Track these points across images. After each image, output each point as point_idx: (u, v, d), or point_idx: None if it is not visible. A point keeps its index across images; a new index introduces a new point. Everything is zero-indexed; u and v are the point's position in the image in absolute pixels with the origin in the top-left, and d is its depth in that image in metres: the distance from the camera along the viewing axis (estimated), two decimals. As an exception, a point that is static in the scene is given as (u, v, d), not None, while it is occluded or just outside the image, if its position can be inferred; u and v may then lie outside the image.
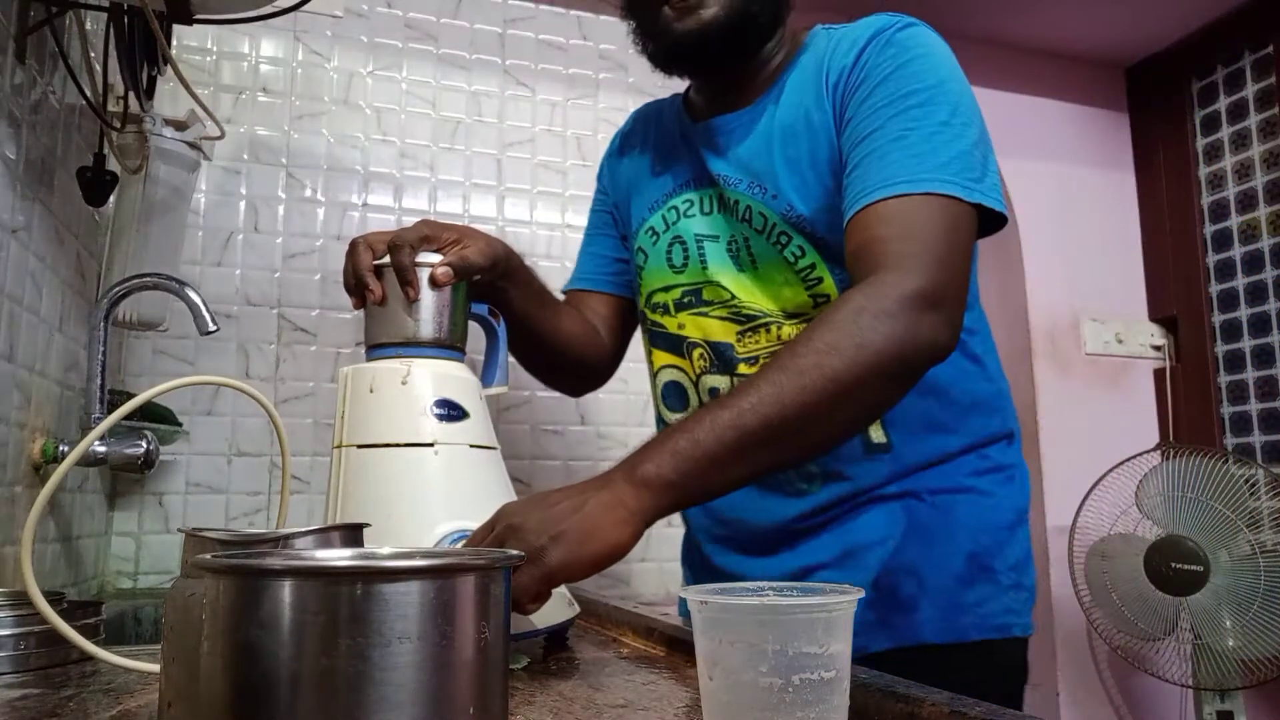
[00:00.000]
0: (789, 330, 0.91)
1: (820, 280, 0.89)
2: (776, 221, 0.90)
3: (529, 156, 1.73)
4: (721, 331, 0.95)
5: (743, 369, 0.94)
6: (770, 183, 0.90)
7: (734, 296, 0.94)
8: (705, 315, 0.96)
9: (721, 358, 0.95)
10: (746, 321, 0.93)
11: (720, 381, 0.96)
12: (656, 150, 1.06)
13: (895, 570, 0.90)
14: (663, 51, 0.94)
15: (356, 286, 0.84)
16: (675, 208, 1.00)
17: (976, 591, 0.90)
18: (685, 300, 0.98)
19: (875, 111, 0.82)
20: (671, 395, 1.02)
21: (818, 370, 0.70)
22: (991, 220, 0.82)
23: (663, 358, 1.02)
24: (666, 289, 1.00)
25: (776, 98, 0.92)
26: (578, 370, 1.11)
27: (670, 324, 1.00)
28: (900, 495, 0.91)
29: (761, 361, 0.93)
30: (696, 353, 0.98)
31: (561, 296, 1.11)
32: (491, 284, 0.93)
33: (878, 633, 0.88)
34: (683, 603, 1.02)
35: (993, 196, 0.80)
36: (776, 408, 0.69)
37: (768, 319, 0.92)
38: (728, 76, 0.96)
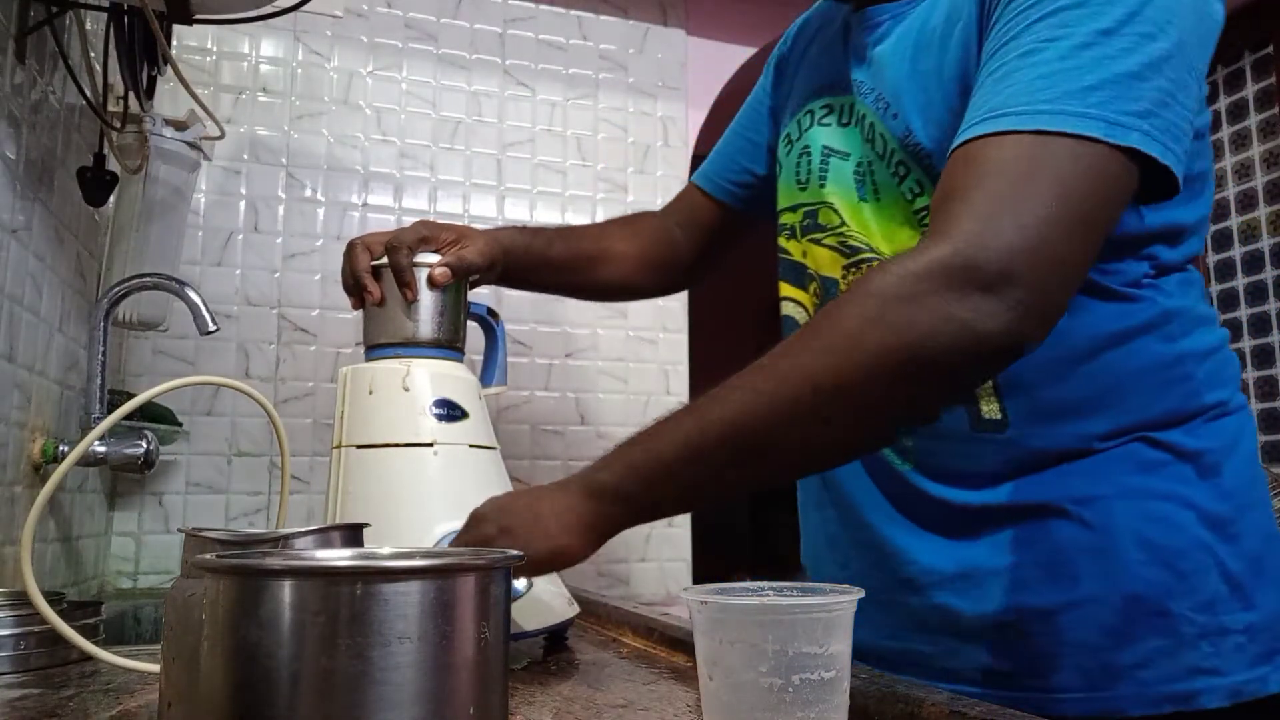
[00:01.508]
0: None
1: None
2: (895, 148, 0.73)
3: (529, 156, 1.73)
4: (830, 264, 0.80)
5: None
6: (894, 97, 0.73)
7: (844, 223, 0.78)
8: (819, 243, 0.81)
9: (828, 296, 0.80)
10: (851, 254, 0.77)
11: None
12: (819, 43, 0.89)
13: (1024, 611, 0.69)
14: None
15: (354, 287, 0.84)
16: (811, 112, 0.84)
17: (1139, 648, 0.66)
18: (806, 223, 0.83)
19: (1019, 14, 0.61)
20: (789, 332, 0.85)
21: (799, 374, 0.57)
22: (1160, 175, 0.59)
23: (785, 289, 0.87)
24: (793, 209, 0.85)
25: (916, 7, 0.74)
26: (632, 292, 1.11)
27: (795, 250, 0.85)
28: (1034, 506, 0.70)
29: None
30: (813, 286, 0.83)
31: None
32: (495, 281, 0.93)
33: (1003, 689, 0.69)
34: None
35: (1157, 141, 0.57)
36: (747, 419, 0.58)
37: (876, 259, 0.75)
38: None
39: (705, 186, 1.05)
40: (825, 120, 0.82)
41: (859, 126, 0.78)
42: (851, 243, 0.77)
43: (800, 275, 0.85)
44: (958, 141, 0.60)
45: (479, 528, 0.66)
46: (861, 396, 0.57)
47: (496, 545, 0.64)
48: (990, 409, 0.71)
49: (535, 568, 0.66)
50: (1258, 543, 0.69)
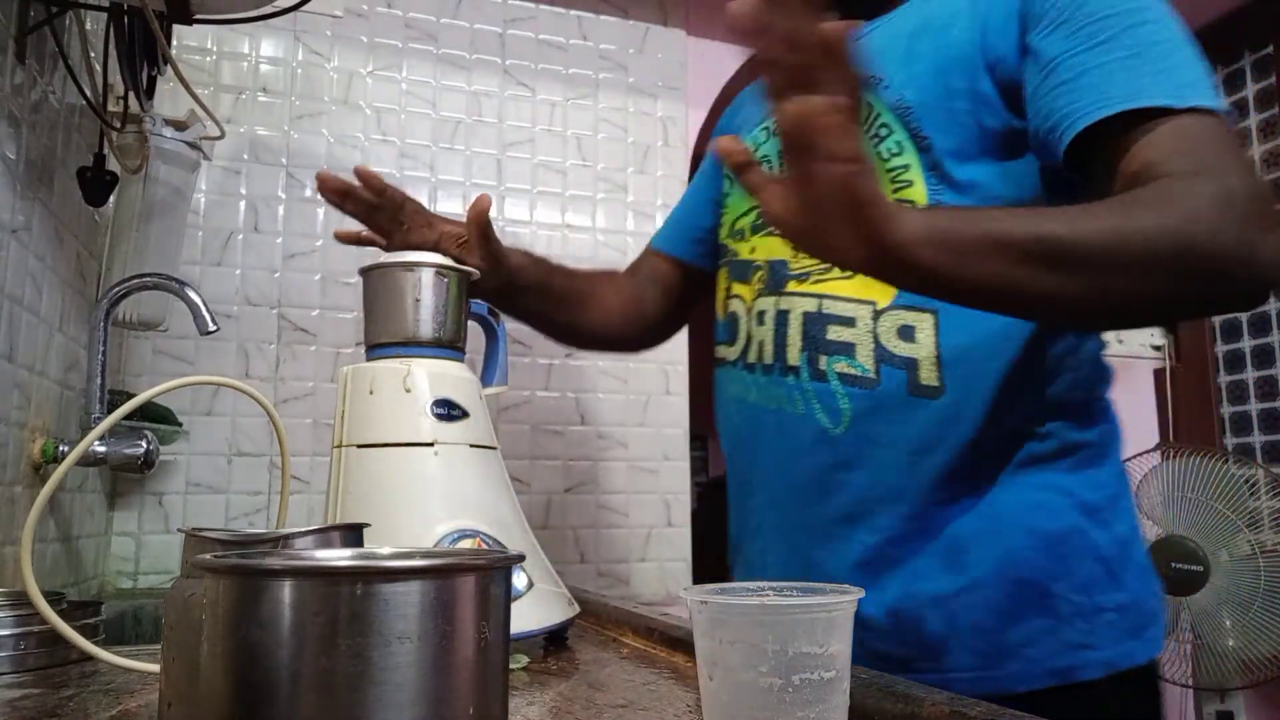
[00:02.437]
0: None
1: (910, 184, 0.77)
2: (881, 111, 0.79)
3: (529, 156, 1.73)
4: (780, 248, 0.85)
5: (791, 286, 0.83)
6: (889, 72, 0.80)
7: None
8: (774, 233, 0.86)
9: (774, 275, 0.86)
10: None
11: (766, 304, 0.85)
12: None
13: (921, 598, 0.74)
14: None
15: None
16: (766, 128, 0.92)
17: (1025, 628, 0.73)
18: (760, 222, 0.89)
19: (1099, 20, 0.69)
20: (724, 331, 0.93)
21: (1137, 233, 0.59)
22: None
23: (732, 288, 0.93)
24: (747, 213, 0.92)
25: (917, 8, 0.83)
26: (606, 345, 1.14)
27: (743, 249, 0.91)
28: (938, 494, 0.75)
29: (813, 278, 0.81)
30: (757, 275, 0.88)
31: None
32: (495, 290, 0.96)
33: (901, 671, 0.71)
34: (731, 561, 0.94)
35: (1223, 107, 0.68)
36: (1074, 235, 0.59)
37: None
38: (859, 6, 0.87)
39: (664, 248, 1.11)
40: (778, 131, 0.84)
41: None
42: None
43: (745, 270, 0.90)
44: (1111, 110, 0.65)
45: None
46: (1164, 261, 0.59)
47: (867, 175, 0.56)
48: (929, 376, 0.76)
49: (846, 235, 0.58)
50: (1125, 530, 0.78)
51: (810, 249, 0.61)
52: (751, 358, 0.87)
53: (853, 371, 0.78)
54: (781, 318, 0.83)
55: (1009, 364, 0.76)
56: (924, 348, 0.76)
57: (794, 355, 0.82)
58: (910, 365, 0.76)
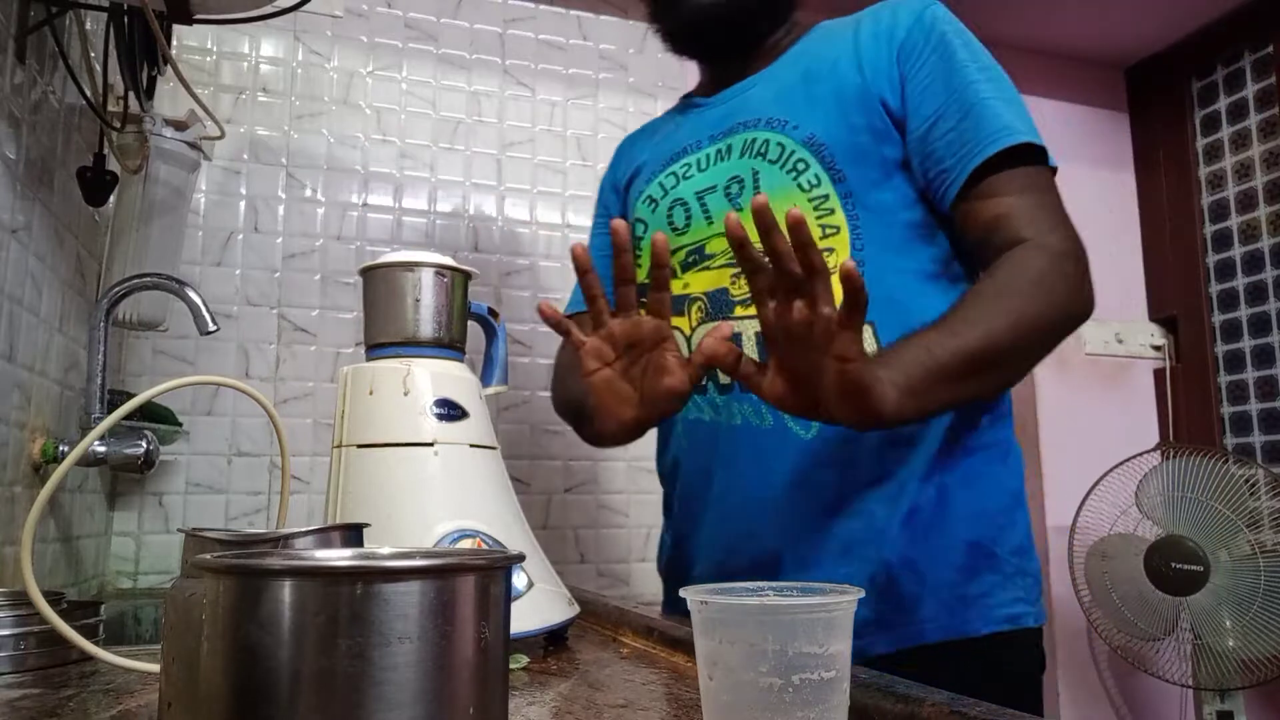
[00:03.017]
0: None
1: (831, 211, 0.88)
2: (795, 148, 0.89)
3: (529, 156, 1.73)
4: (717, 279, 0.93)
5: (739, 311, 0.90)
6: (792, 115, 0.91)
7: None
8: (708, 269, 0.94)
9: (716, 304, 0.92)
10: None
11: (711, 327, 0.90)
12: (656, 136, 1.09)
13: (893, 565, 0.85)
14: (683, 22, 0.97)
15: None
16: (673, 173, 0.99)
17: (981, 582, 0.86)
18: (690, 260, 0.96)
19: (964, 67, 0.85)
20: None
21: (1026, 311, 0.76)
22: None
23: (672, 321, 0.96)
24: (687, 251, 0.97)
25: (796, 56, 0.96)
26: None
27: (676, 286, 0.95)
28: (898, 480, 0.86)
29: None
30: (694, 307, 0.94)
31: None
32: None
33: (878, 635, 0.84)
34: (669, 603, 0.99)
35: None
36: (988, 346, 0.73)
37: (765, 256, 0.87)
38: (736, 55, 0.99)
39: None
40: (687, 175, 0.98)
41: (726, 159, 0.94)
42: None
43: (679, 304, 0.95)
44: (992, 151, 0.82)
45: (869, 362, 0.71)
46: (1052, 335, 0.79)
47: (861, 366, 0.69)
48: None
49: (855, 408, 0.69)
50: (1026, 513, 0.92)
51: (806, 417, 0.72)
52: (701, 381, 0.90)
53: None
54: (735, 340, 0.89)
55: None
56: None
57: None
58: None
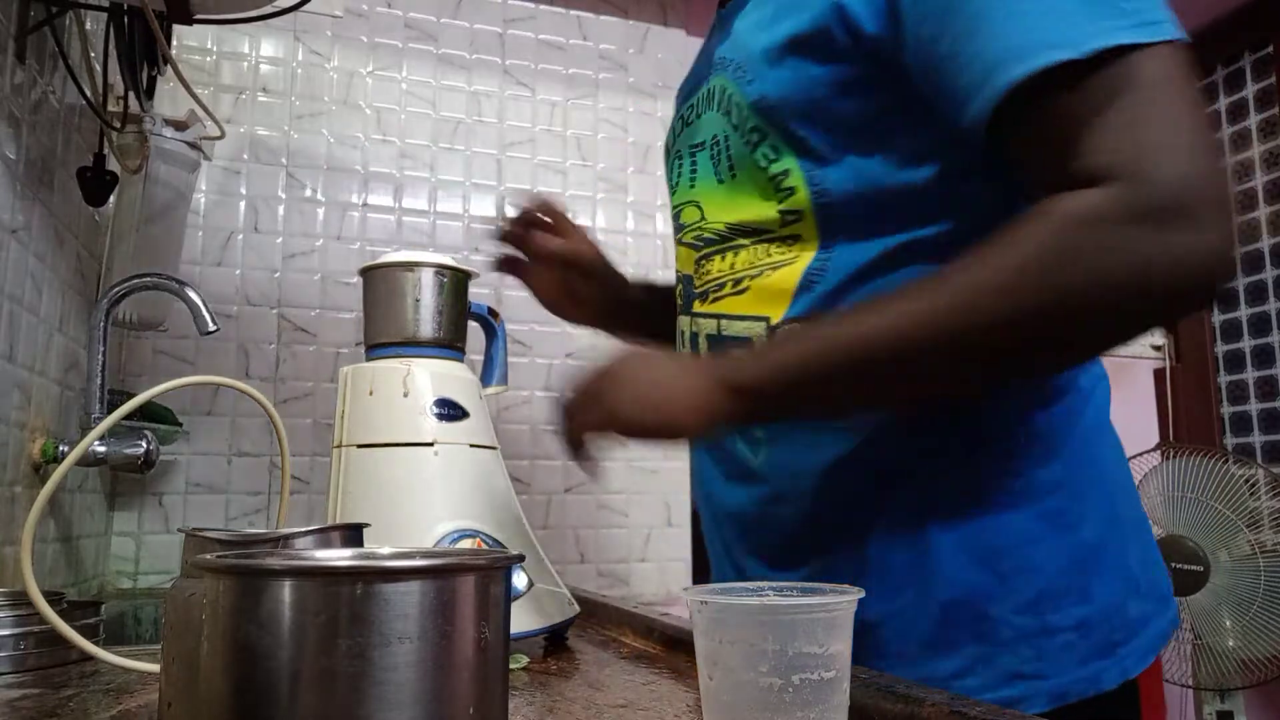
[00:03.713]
0: (744, 258, 0.72)
1: (793, 191, 0.68)
2: (748, 114, 0.70)
3: (529, 156, 1.73)
4: (686, 261, 0.80)
5: (696, 306, 0.77)
6: (750, 61, 0.70)
7: (702, 216, 0.77)
8: (680, 242, 0.81)
9: (686, 294, 0.80)
10: (704, 246, 0.76)
11: (684, 324, 0.80)
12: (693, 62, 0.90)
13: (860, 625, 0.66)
14: None
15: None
16: (682, 117, 0.83)
17: (957, 658, 0.64)
18: (676, 225, 0.83)
19: None
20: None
21: (986, 313, 0.53)
22: None
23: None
24: (673, 214, 0.84)
25: None
26: None
27: (678, 256, 0.84)
28: (862, 519, 0.68)
29: (710, 296, 0.75)
30: (678, 290, 0.83)
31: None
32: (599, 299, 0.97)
33: None
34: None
35: (1175, 25, 0.56)
36: (915, 348, 0.55)
37: (725, 242, 0.74)
38: None
39: None
40: (690, 119, 0.80)
41: (717, 104, 0.74)
42: (706, 235, 0.76)
43: (677, 276, 0.83)
44: (1016, 76, 0.53)
45: (605, 376, 0.65)
46: (1049, 334, 0.54)
47: (607, 394, 0.64)
48: None
49: (639, 433, 0.64)
50: (1098, 529, 0.66)
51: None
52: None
53: None
54: (694, 341, 0.78)
55: None
56: None
57: None
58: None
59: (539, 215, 0.94)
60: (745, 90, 0.70)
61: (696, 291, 0.77)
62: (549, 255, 0.93)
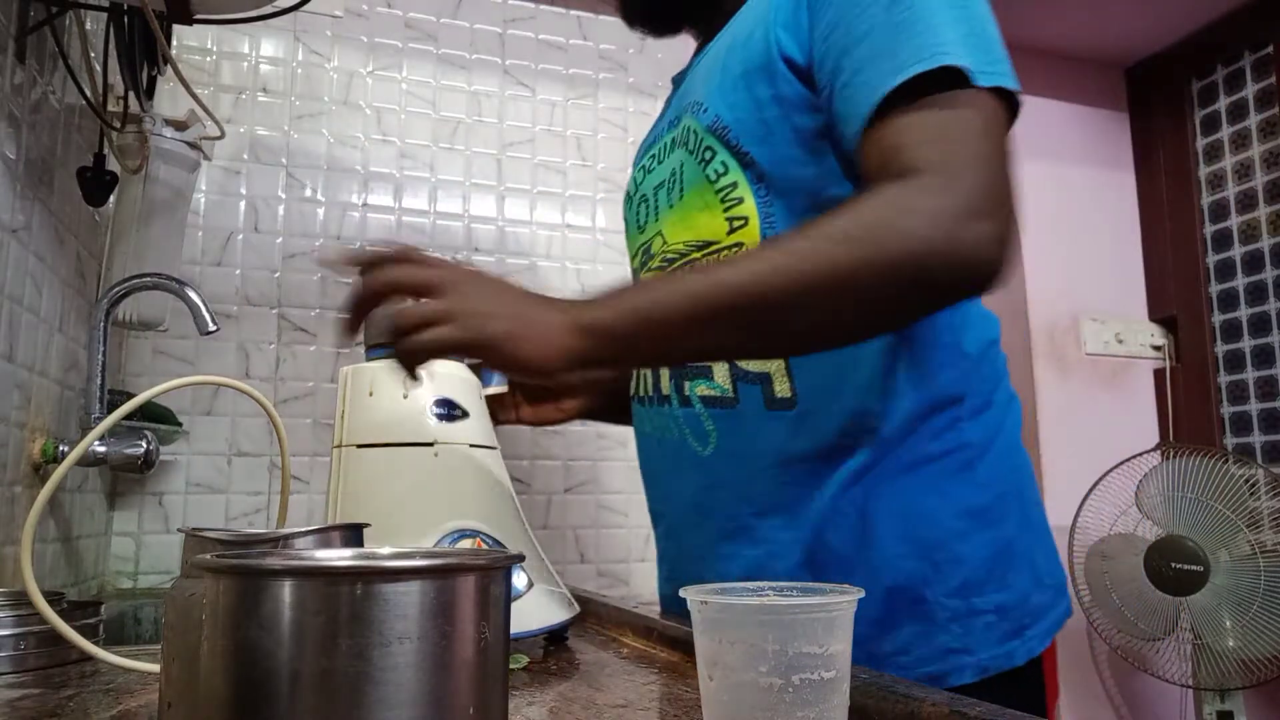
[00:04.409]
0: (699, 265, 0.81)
1: (740, 201, 0.77)
2: (703, 135, 0.79)
3: (529, 156, 1.73)
4: (644, 271, 0.89)
5: None
6: (707, 96, 0.80)
7: (665, 241, 0.84)
8: (649, 268, 0.88)
9: None
10: (667, 266, 0.84)
11: None
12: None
13: None
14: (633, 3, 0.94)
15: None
16: (643, 166, 0.93)
17: (898, 636, 0.72)
18: (641, 260, 0.91)
19: (863, 9, 0.68)
20: None
21: (821, 257, 0.60)
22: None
23: None
24: (635, 253, 0.93)
25: (731, 23, 0.84)
26: None
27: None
28: (814, 511, 0.75)
29: None
30: None
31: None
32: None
33: None
34: (666, 600, 0.97)
35: (1008, 76, 0.66)
36: (759, 288, 0.60)
37: (682, 258, 0.82)
38: (685, 24, 0.94)
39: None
40: (650, 167, 0.90)
41: (681, 143, 0.83)
42: (668, 255, 0.83)
43: None
44: (873, 101, 0.65)
45: (459, 292, 0.62)
46: (864, 290, 0.61)
47: (466, 319, 0.61)
48: (782, 388, 0.76)
49: (511, 363, 0.62)
50: (1013, 526, 0.76)
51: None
52: (642, 391, 0.89)
53: (713, 393, 0.80)
54: None
55: (863, 371, 0.74)
56: (774, 362, 0.76)
57: (665, 385, 0.84)
58: (764, 380, 0.77)
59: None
60: (701, 118, 0.80)
61: None
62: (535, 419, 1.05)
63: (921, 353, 0.75)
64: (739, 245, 0.77)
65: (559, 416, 1.07)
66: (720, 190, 0.78)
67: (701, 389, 0.81)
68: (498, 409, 1.03)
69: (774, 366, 0.76)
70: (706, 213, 0.79)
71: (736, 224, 0.77)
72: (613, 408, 1.06)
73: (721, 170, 0.78)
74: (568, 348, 0.61)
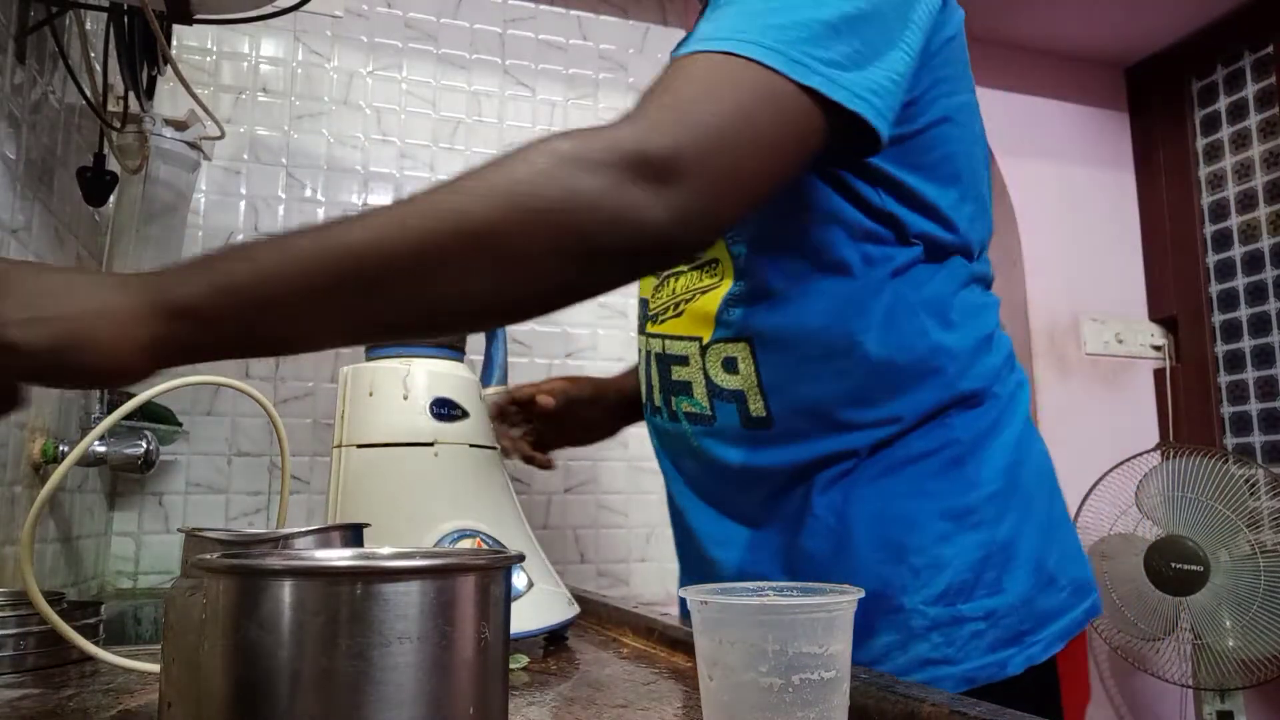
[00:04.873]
0: (683, 282, 0.79)
1: None
2: None
3: (529, 156, 1.73)
4: (645, 286, 0.86)
5: (649, 327, 0.83)
6: None
7: None
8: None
9: (642, 316, 0.86)
10: (658, 272, 0.83)
11: (640, 344, 0.87)
12: None
13: None
14: None
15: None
16: None
17: (873, 646, 0.69)
18: None
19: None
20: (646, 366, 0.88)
21: (445, 210, 0.49)
22: (859, 131, 0.59)
23: None
24: None
25: None
26: None
27: (640, 282, 0.89)
28: (792, 513, 0.74)
29: (659, 318, 0.82)
30: (639, 312, 0.89)
31: None
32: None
33: None
34: (682, 602, 1.00)
35: (844, 89, 0.57)
36: (374, 247, 0.48)
37: (671, 268, 0.81)
38: None
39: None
40: None
41: None
42: None
43: (639, 300, 0.89)
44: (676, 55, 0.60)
45: None
46: (502, 250, 0.50)
47: (19, 336, 0.47)
48: (756, 407, 0.74)
49: (81, 376, 0.50)
50: (1012, 529, 0.71)
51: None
52: (645, 399, 0.88)
53: (694, 410, 0.79)
54: (648, 360, 0.85)
55: (835, 380, 0.72)
56: (746, 379, 0.74)
57: (658, 398, 0.84)
58: (739, 398, 0.75)
59: (510, 406, 1.04)
60: None
61: (650, 314, 0.84)
62: (548, 414, 1.03)
63: (904, 356, 0.71)
64: (715, 262, 0.76)
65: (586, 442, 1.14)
66: None
67: (685, 405, 0.80)
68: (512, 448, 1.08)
69: (747, 384, 0.74)
70: None
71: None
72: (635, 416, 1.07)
73: None
74: (149, 340, 0.47)
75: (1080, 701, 0.75)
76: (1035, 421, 2.09)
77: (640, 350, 0.87)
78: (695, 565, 0.86)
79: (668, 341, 0.81)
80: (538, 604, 0.77)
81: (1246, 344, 2.09)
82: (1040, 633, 0.70)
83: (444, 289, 0.50)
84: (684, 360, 0.79)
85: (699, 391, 0.79)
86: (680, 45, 0.63)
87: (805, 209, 0.70)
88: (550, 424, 1.06)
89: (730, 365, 0.76)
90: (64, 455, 1.02)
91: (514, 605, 0.61)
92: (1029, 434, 0.77)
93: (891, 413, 0.71)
